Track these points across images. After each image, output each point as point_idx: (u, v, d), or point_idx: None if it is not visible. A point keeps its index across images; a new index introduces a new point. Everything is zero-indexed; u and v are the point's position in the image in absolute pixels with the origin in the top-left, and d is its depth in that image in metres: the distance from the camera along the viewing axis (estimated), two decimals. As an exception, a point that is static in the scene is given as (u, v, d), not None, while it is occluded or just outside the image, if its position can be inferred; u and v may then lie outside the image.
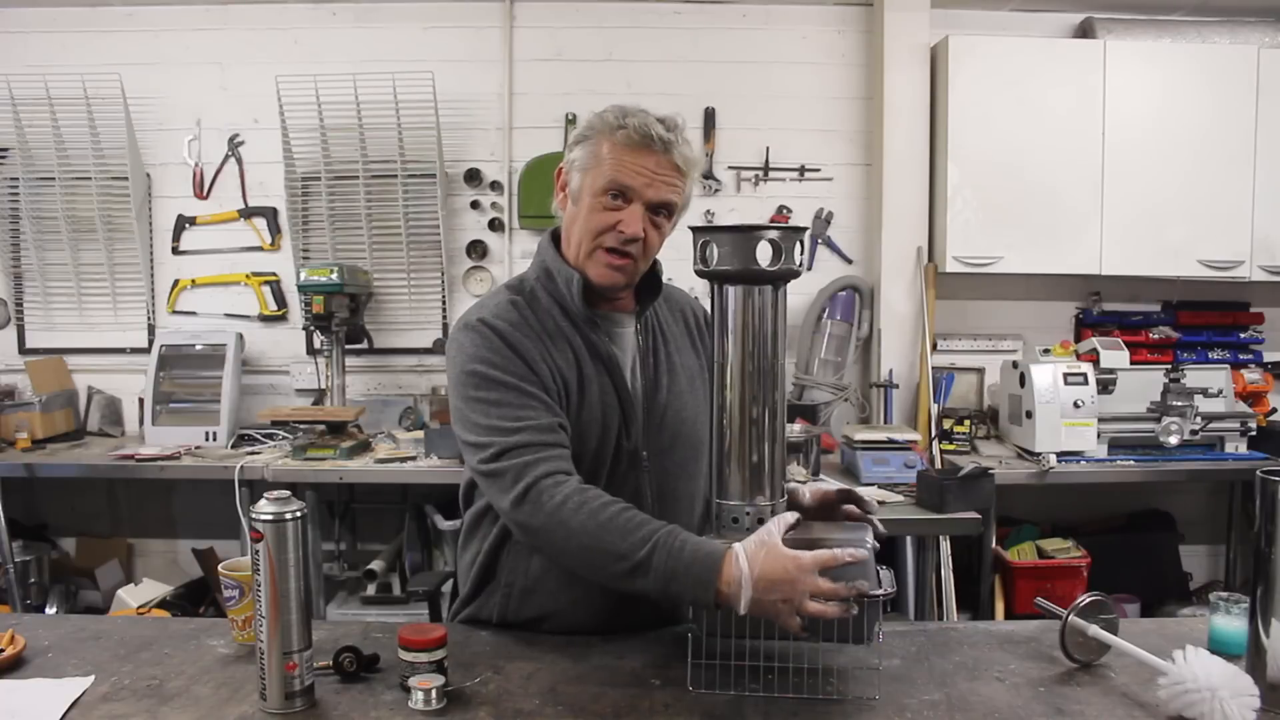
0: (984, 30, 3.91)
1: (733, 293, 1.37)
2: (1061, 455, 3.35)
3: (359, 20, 3.93)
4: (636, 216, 1.50)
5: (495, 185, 3.96)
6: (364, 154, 3.85)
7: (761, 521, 1.38)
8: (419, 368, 4.03)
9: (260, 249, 4.01)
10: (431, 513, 3.52)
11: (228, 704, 1.30)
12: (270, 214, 3.98)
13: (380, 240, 3.93)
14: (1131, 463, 3.41)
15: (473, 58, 3.93)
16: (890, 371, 3.87)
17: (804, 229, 1.44)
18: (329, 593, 3.66)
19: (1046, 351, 3.59)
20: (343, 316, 3.60)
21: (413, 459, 3.38)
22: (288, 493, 1.30)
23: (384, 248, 3.95)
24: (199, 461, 3.41)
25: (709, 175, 3.95)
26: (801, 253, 1.37)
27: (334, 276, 3.47)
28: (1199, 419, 3.42)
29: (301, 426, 3.57)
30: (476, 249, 3.98)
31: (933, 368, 3.79)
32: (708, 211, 3.94)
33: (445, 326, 3.99)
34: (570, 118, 3.92)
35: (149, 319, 4.00)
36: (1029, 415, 3.44)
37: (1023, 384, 3.50)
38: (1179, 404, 3.42)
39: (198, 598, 3.66)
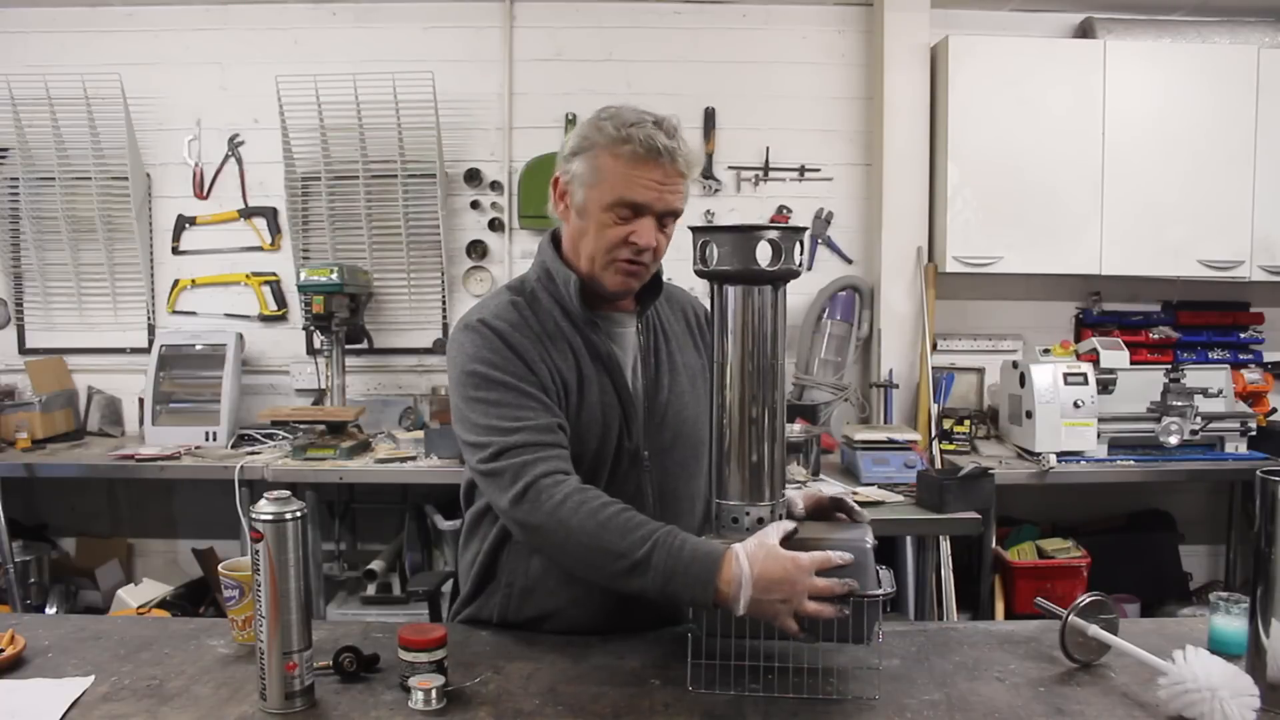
0: (984, 30, 3.91)
1: (733, 293, 1.37)
2: (1061, 455, 3.35)
3: (359, 20, 3.93)
4: (650, 229, 1.50)
5: (495, 185, 3.97)
6: (364, 154, 3.85)
7: (762, 522, 1.38)
8: (419, 368, 4.03)
9: (260, 249, 4.01)
10: (431, 513, 3.52)
11: (228, 704, 1.30)
12: (270, 214, 3.98)
13: (380, 240, 3.93)
14: (1131, 463, 3.41)
15: (473, 58, 3.93)
16: (890, 371, 3.87)
17: (804, 229, 1.44)
18: (329, 593, 3.66)
19: (1046, 351, 3.59)
20: (343, 316, 3.60)
21: (413, 459, 3.38)
22: (288, 493, 1.30)
23: (384, 248, 3.95)
24: (199, 461, 3.41)
25: (709, 175, 3.95)
26: (801, 253, 1.37)
27: (334, 276, 3.47)
28: (1199, 419, 3.42)
29: (301, 426, 3.56)
30: (476, 249, 3.99)
31: (933, 368, 3.79)
32: (708, 211, 3.94)
33: (445, 326, 3.99)
34: (570, 117, 3.92)
35: (149, 319, 4.00)
36: (1029, 415, 3.44)
37: (1023, 384, 3.50)
38: (1179, 404, 3.42)
39: (198, 598, 3.66)
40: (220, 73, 3.95)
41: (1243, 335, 4.05)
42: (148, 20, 3.90)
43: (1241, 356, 4.01)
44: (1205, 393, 3.52)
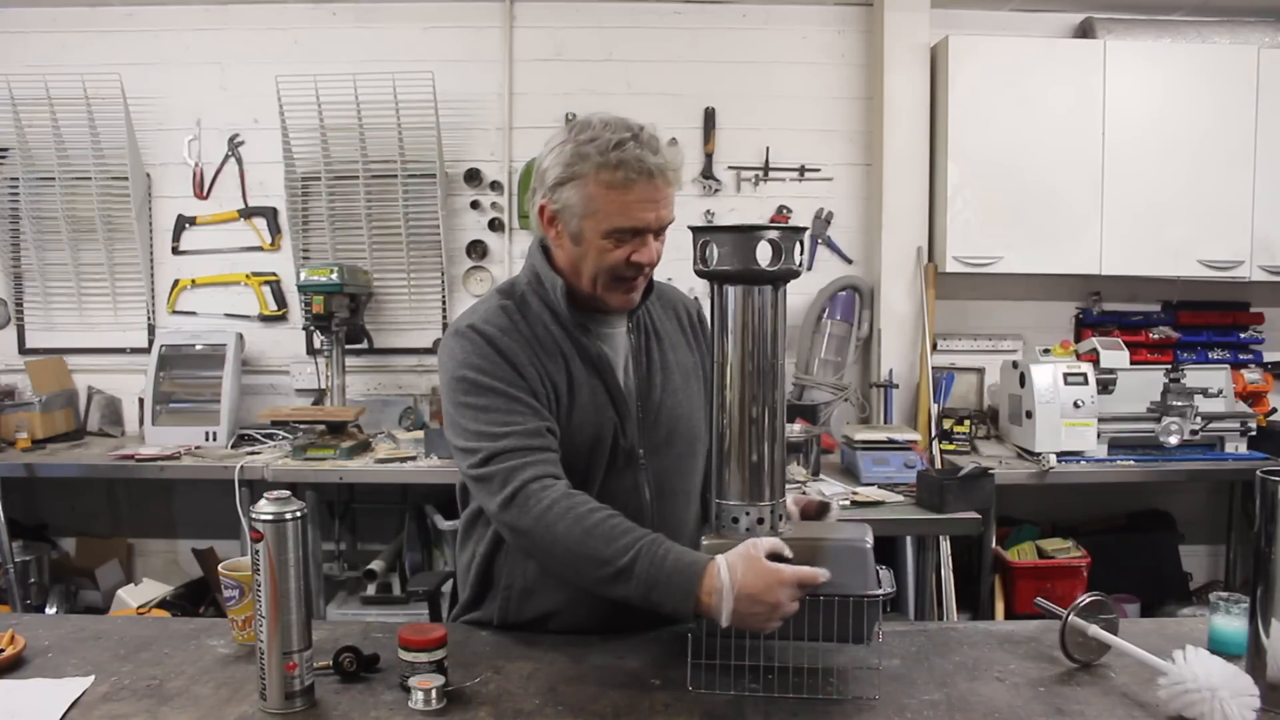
0: (984, 30, 3.91)
1: (733, 293, 1.37)
2: (1061, 455, 3.35)
3: (359, 20, 3.93)
4: (651, 247, 1.51)
5: (495, 185, 3.96)
6: (364, 154, 3.85)
7: (762, 522, 1.38)
8: (419, 368, 4.03)
9: (260, 249, 4.01)
10: (431, 513, 3.52)
11: (228, 704, 1.31)
12: (270, 214, 3.98)
13: (380, 240, 3.93)
14: (1131, 463, 3.41)
15: (473, 58, 3.93)
16: (890, 371, 3.87)
17: (804, 229, 1.44)
18: (329, 593, 3.66)
19: (1046, 351, 3.59)
20: (343, 316, 3.60)
21: (413, 459, 3.38)
22: (288, 493, 1.30)
23: (384, 248, 3.95)
24: (199, 461, 3.41)
25: (709, 175, 3.95)
26: (801, 253, 1.37)
27: (334, 276, 3.47)
28: (1199, 419, 3.42)
29: (301, 426, 3.56)
30: (476, 249, 3.99)
31: (933, 368, 3.79)
32: (708, 211, 3.94)
33: (445, 326, 3.98)
34: (570, 118, 3.91)
35: (149, 319, 4.00)
36: (1029, 415, 3.44)
37: (1023, 384, 3.50)
38: (1179, 404, 3.42)
39: (198, 598, 3.66)
40: (220, 73, 3.95)
41: (1243, 335, 4.05)
42: (148, 20, 3.90)
43: (1241, 356, 4.01)
44: (1205, 393, 3.52)
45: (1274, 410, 3.77)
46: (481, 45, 3.94)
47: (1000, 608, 3.38)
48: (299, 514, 1.29)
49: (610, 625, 1.53)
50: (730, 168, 3.98)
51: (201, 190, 3.98)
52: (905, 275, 3.87)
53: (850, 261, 4.03)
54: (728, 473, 1.39)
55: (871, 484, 3.10)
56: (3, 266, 3.96)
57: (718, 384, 1.40)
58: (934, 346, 3.85)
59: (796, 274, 1.36)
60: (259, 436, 3.69)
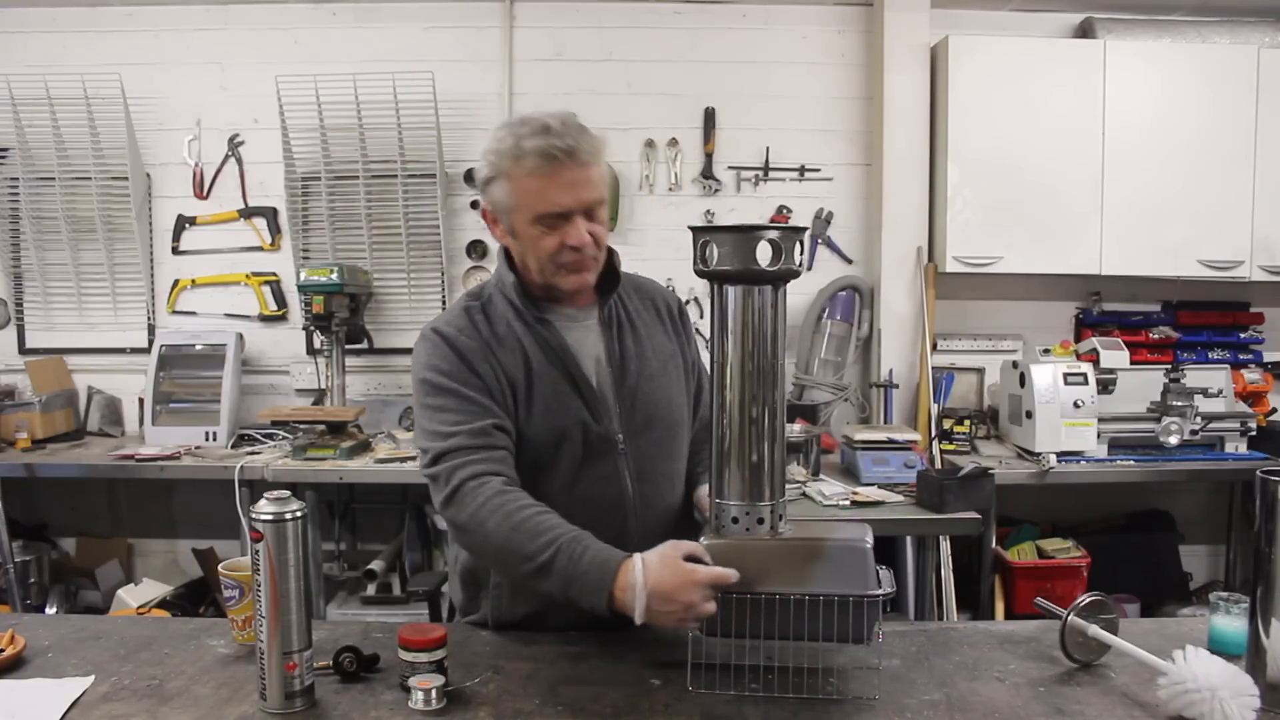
0: (984, 30, 3.91)
1: (733, 293, 1.37)
2: (1061, 455, 3.35)
3: (359, 20, 3.93)
4: (579, 228, 1.54)
5: (495, 185, 3.96)
6: (364, 154, 3.85)
7: (762, 521, 1.38)
8: (419, 368, 4.02)
9: (260, 249, 4.01)
10: (431, 513, 3.52)
11: (228, 704, 1.31)
12: (270, 214, 3.98)
13: (380, 240, 3.93)
14: (1131, 463, 3.41)
15: (473, 58, 3.93)
16: (890, 371, 3.87)
17: (804, 229, 1.44)
18: (329, 593, 3.66)
19: (1046, 351, 3.59)
20: (343, 316, 3.60)
21: (412, 459, 3.38)
22: (288, 493, 1.30)
23: (384, 248, 3.95)
24: (199, 461, 3.41)
25: (709, 175, 3.95)
26: (801, 253, 1.37)
27: (334, 276, 3.47)
28: (1199, 419, 3.41)
29: (301, 426, 3.56)
30: (476, 249, 3.99)
31: (933, 368, 3.79)
32: (708, 211, 3.94)
33: (445, 326, 3.98)
34: (570, 118, 3.91)
35: (149, 319, 3.99)
36: (1029, 415, 3.44)
37: (1023, 384, 3.50)
38: (1179, 404, 3.42)
39: (198, 598, 3.66)
40: (220, 73, 3.95)
41: (1243, 335, 4.05)
42: (148, 20, 3.90)
43: (1241, 356, 4.01)
44: (1205, 393, 3.52)
45: (1274, 410, 3.77)
46: (481, 45, 3.94)
47: (1000, 608, 3.38)
48: (299, 514, 1.29)
49: (606, 624, 1.53)
50: (730, 168, 3.98)
51: (201, 190, 3.98)
52: (905, 275, 3.87)
53: (850, 261, 4.03)
54: (728, 473, 1.39)
55: (871, 484, 3.09)
56: (3, 266, 3.96)
57: (717, 384, 1.40)
58: (934, 346, 3.85)
59: (796, 274, 1.36)
60: (259, 436, 3.69)
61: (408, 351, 3.98)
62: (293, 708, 1.28)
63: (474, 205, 3.97)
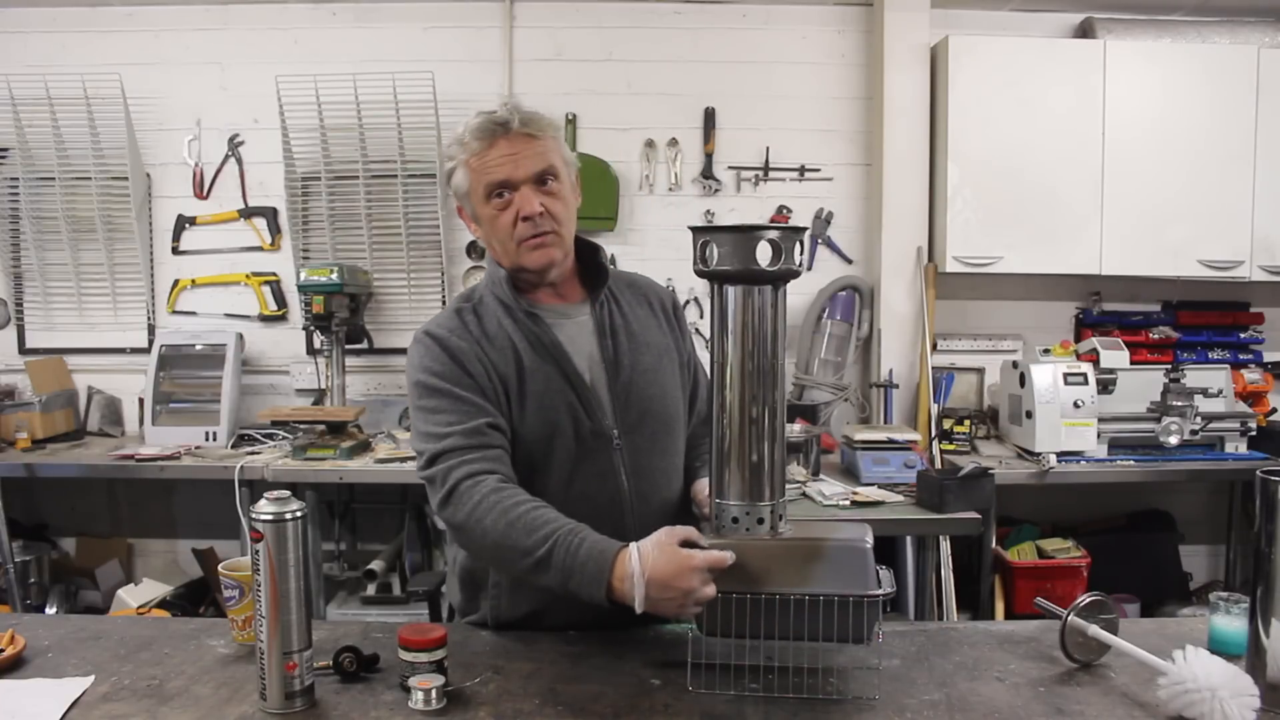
0: (984, 30, 3.91)
1: (733, 293, 1.37)
2: (1061, 455, 3.35)
3: (359, 20, 3.93)
4: (529, 197, 1.56)
5: (495, 185, 3.96)
6: (364, 154, 3.85)
7: (762, 521, 1.38)
8: (419, 368, 4.02)
9: (260, 249, 4.01)
10: (431, 513, 3.52)
11: (228, 704, 1.31)
12: (270, 214, 3.98)
13: (380, 240, 3.93)
14: (1131, 463, 3.41)
15: (473, 58, 3.93)
16: (890, 371, 3.87)
17: (804, 229, 1.44)
18: (329, 593, 3.66)
19: (1046, 351, 3.59)
20: (343, 316, 3.60)
21: (412, 459, 3.37)
22: (288, 493, 1.30)
23: (384, 248, 3.95)
24: (199, 461, 3.41)
25: (709, 175, 3.95)
26: (801, 253, 1.37)
27: (334, 276, 3.47)
28: (1199, 419, 3.41)
29: (301, 426, 3.56)
30: (476, 249, 3.99)
31: (933, 368, 3.79)
32: (708, 211, 3.94)
33: (445, 326, 3.98)
34: (570, 118, 3.92)
35: (149, 319, 3.99)
36: (1029, 415, 3.44)
37: (1023, 384, 3.50)
38: (1179, 404, 3.42)
39: (198, 598, 3.66)
40: (220, 73, 3.95)
41: (1243, 335, 4.05)
42: (148, 20, 3.90)
43: (1241, 356, 4.01)
44: (1205, 393, 3.51)
45: (1274, 410, 3.77)
46: (481, 45, 3.94)
47: (1000, 608, 3.38)
48: (299, 514, 1.29)
49: (604, 622, 1.53)
50: (730, 168, 3.98)
51: (201, 190, 3.98)
52: (905, 275, 3.87)
53: (850, 261, 4.03)
54: (728, 473, 1.39)
55: (871, 484, 3.09)
56: (3, 266, 3.96)
57: (717, 384, 1.40)
58: (934, 346, 3.85)
59: (796, 274, 1.36)
60: (259, 436, 3.69)
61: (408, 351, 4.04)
62: (293, 708, 1.28)
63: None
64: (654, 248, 3.91)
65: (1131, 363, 3.67)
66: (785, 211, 3.99)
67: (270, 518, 1.27)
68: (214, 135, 3.96)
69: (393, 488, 3.63)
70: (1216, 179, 3.67)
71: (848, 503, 2.89)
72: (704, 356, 1.55)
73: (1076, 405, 3.36)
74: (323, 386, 3.80)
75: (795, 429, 3.27)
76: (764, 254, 1.34)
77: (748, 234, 1.34)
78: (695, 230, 1.39)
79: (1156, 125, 3.66)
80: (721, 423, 1.40)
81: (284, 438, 3.64)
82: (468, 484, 1.46)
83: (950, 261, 3.72)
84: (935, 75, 3.80)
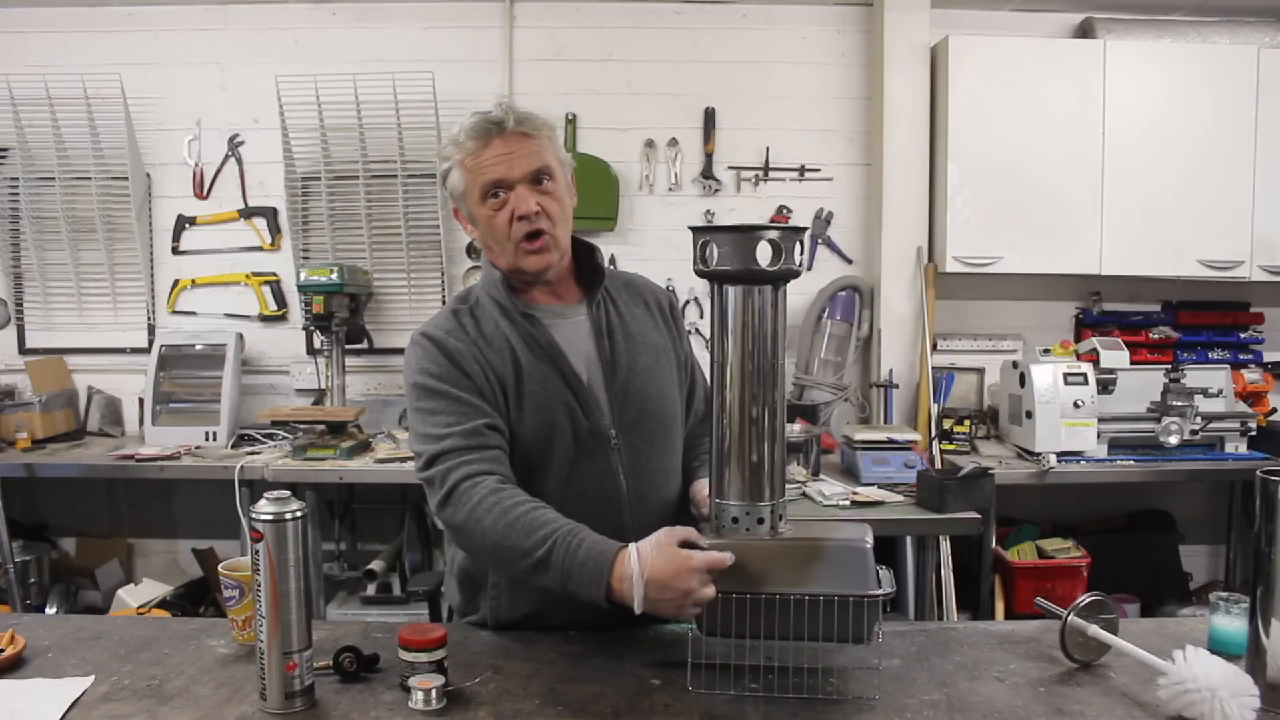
0: (984, 30, 3.91)
1: (733, 293, 1.37)
2: (1061, 455, 3.35)
3: (359, 20, 3.93)
4: (524, 196, 1.56)
5: (495, 185, 3.96)
6: (364, 154, 3.85)
7: (762, 522, 1.38)
8: (419, 368, 4.02)
9: (260, 249, 4.01)
10: (431, 513, 3.51)
11: (228, 704, 1.31)
12: (270, 214, 3.98)
13: (380, 240, 3.93)
14: (1131, 463, 3.41)
15: (473, 58, 3.93)
16: (890, 371, 3.87)
17: (804, 229, 1.44)
18: (329, 593, 3.66)
19: (1046, 351, 3.59)
20: (343, 316, 3.60)
21: (412, 459, 3.37)
22: (288, 493, 1.30)
23: (384, 248, 3.95)
24: (199, 461, 3.41)
25: (709, 175, 3.95)
26: (801, 253, 1.37)
27: (334, 276, 3.47)
28: (1199, 419, 3.41)
29: (301, 426, 3.56)
30: (476, 249, 3.98)
31: (933, 368, 3.79)
32: (708, 211, 3.94)
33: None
34: (570, 117, 3.92)
35: (149, 319, 3.99)
36: (1029, 415, 3.44)
37: (1023, 384, 3.50)
38: (1179, 404, 3.42)
39: (198, 598, 3.66)
40: (220, 73, 3.94)
41: (1243, 335, 4.05)
42: (148, 20, 3.90)
43: (1241, 356, 4.01)
44: (1205, 393, 3.51)
45: (1274, 410, 3.77)
46: (481, 45, 3.94)
47: (1000, 608, 3.38)
48: (299, 514, 1.29)
49: (604, 622, 1.53)
50: (730, 168, 3.98)
51: (201, 190, 3.98)
52: (905, 275, 3.87)
53: (850, 261, 4.03)
54: (728, 473, 1.39)
55: (871, 484, 3.09)
56: (3, 266, 3.96)
57: (717, 384, 1.40)
58: (934, 346, 3.85)
59: (796, 274, 1.36)
60: (259, 436, 3.69)
61: (408, 351, 4.05)
62: (293, 708, 1.28)
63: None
64: (654, 248, 3.91)
65: (1131, 363, 3.67)
66: (785, 211, 3.99)
67: (270, 518, 1.27)
68: (214, 135, 3.96)
69: (393, 488, 3.63)
70: (1216, 179, 3.67)
71: (848, 503, 2.89)
72: (704, 356, 1.55)
73: (1076, 405, 3.36)
74: (323, 386, 3.80)
75: (795, 429, 3.27)
76: (764, 254, 1.33)
77: (748, 234, 1.34)
78: (695, 230, 1.39)
79: (1156, 125, 3.66)
80: (721, 423, 1.40)
81: (284, 438, 3.64)
82: (466, 485, 1.46)
83: (950, 261, 3.72)
84: (935, 75, 3.80)
